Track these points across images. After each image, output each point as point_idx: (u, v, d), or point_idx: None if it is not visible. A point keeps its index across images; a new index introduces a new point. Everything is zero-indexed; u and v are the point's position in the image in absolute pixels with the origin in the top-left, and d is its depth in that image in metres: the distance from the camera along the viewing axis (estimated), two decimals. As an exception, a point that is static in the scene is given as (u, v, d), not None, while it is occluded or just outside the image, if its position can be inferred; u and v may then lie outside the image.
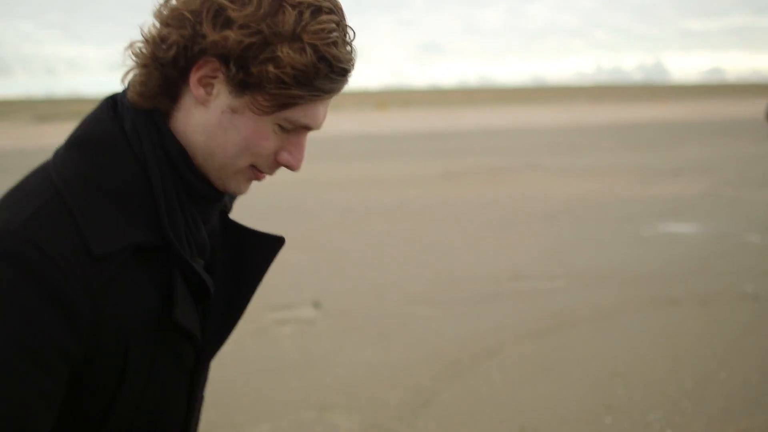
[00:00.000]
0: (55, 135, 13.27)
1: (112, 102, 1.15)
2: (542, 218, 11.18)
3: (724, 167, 17.21)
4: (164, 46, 1.08)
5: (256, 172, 1.17)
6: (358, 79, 1.17)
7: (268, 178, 1.21)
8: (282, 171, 1.20)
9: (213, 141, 1.12)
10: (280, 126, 1.12)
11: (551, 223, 10.74)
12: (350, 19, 1.12)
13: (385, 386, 4.81)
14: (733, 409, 4.32)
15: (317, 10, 1.06)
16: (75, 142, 1.11)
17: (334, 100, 1.16)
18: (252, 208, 12.46)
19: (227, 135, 1.11)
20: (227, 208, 1.30)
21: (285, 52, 1.04)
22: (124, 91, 1.15)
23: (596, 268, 7.87)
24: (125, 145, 1.10)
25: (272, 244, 1.27)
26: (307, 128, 1.15)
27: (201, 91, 1.10)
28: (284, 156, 1.15)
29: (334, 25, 1.07)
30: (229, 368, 5.25)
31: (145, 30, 1.11)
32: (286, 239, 1.27)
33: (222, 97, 1.09)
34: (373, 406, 4.51)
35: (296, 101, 1.09)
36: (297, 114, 1.11)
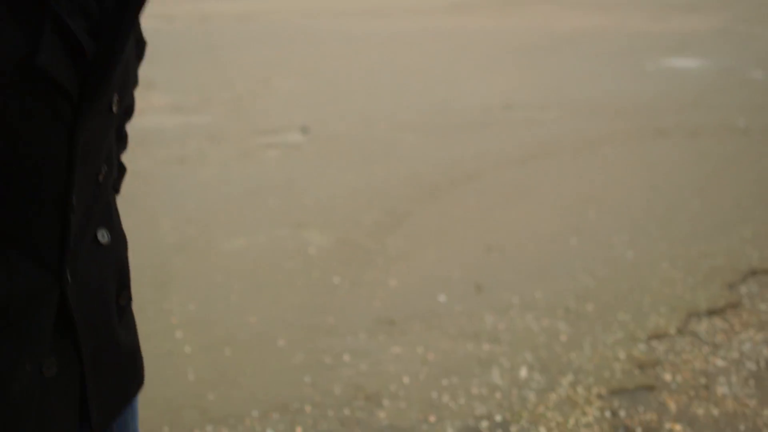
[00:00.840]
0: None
1: None
2: (545, 50, 10.92)
3: (744, 2, 16.56)
4: None
5: None
6: None
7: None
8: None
9: None
10: None
11: (553, 55, 10.50)
12: None
13: (362, 207, 4.90)
14: (698, 235, 4.40)
15: None
16: None
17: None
18: (247, 35, 12.24)
19: None
20: None
21: None
22: None
23: (591, 99, 7.77)
24: None
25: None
26: None
27: None
28: None
29: None
30: (211, 188, 5.35)
31: None
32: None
33: None
34: (347, 224, 4.61)
35: None
36: None
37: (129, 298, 1.43)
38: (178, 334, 3.38)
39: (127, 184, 1.38)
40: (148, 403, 2.84)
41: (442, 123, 6.97)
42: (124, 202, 1.46)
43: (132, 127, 1.56)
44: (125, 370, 1.40)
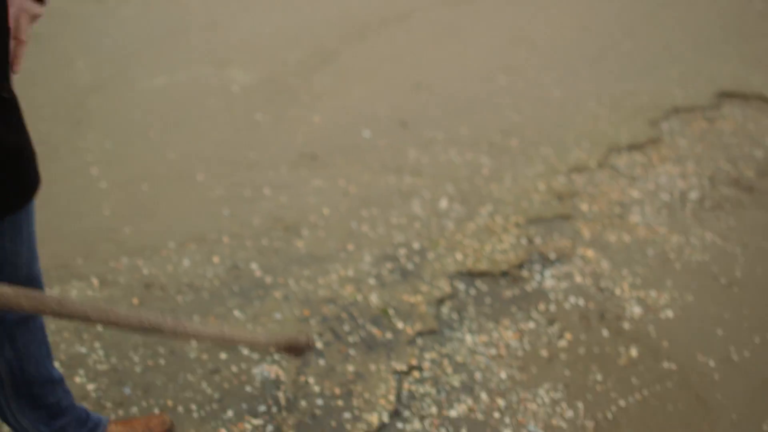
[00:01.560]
0: None
1: None
2: None
3: None
4: None
5: None
6: None
7: None
8: None
9: None
10: None
11: None
12: None
13: (288, 46, 4.72)
14: (626, 75, 4.39)
15: None
16: None
17: None
18: None
19: None
20: None
21: None
22: None
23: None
24: None
25: None
26: None
27: None
28: None
29: None
30: (130, 27, 5.08)
31: None
32: None
33: None
34: (272, 63, 4.46)
35: None
36: None
37: (10, 91, 1.34)
38: (93, 170, 3.28)
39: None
40: (60, 236, 2.78)
41: (376, -37, 6.68)
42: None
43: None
44: (5, 169, 1.32)
